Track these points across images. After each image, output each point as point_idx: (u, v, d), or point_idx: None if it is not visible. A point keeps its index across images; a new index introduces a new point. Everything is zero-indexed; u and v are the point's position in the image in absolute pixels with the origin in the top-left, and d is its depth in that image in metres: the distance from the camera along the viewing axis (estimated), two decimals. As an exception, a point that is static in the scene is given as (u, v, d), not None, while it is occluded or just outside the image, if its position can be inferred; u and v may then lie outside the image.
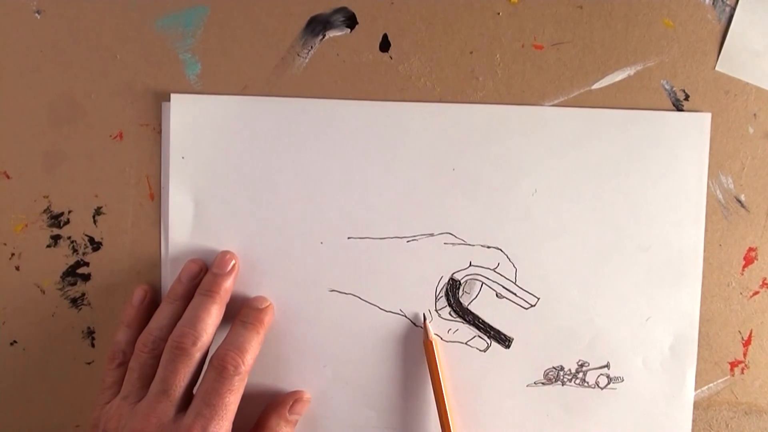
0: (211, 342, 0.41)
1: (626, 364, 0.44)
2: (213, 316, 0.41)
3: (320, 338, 0.44)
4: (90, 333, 0.45)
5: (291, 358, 0.44)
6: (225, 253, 0.43)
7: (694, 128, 0.43)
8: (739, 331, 0.45)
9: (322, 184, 0.43)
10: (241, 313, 0.42)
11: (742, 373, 0.45)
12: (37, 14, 0.43)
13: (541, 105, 0.43)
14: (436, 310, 0.44)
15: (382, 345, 0.44)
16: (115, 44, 0.43)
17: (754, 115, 0.44)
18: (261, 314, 0.42)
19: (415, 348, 0.44)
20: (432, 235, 0.44)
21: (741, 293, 0.45)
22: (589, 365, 0.44)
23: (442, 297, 0.44)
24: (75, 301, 0.45)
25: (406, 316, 0.44)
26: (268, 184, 0.43)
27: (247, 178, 0.43)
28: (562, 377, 0.44)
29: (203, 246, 0.43)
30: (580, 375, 0.44)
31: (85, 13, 0.43)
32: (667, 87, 0.44)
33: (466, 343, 0.44)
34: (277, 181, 0.43)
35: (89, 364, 0.45)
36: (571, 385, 0.44)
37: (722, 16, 0.43)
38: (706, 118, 0.43)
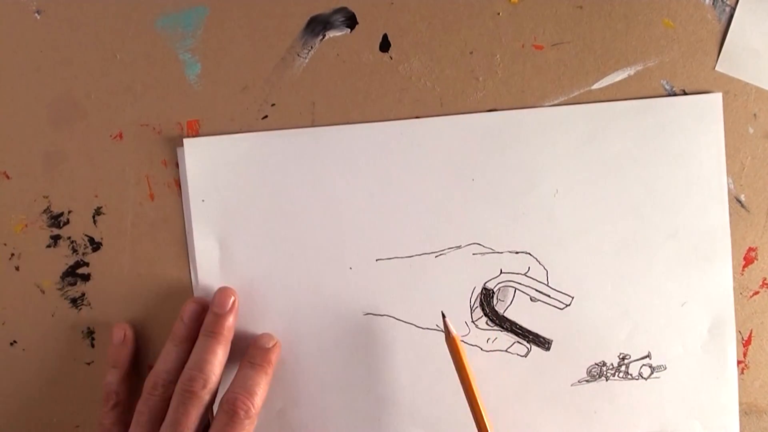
0: (219, 382, 0.41)
1: (667, 352, 0.44)
2: (219, 356, 0.41)
3: (360, 362, 0.44)
4: (90, 333, 0.45)
5: (334, 385, 0.44)
6: (223, 290, 0.43)
7: (707, 109, 0.43)
8: (739, 331, 0.45)
9: (344, 210, 0.43)
10: (248, 353, 0.42)
11: (742, 373, 0.45)
12: (37, 14, 0.43)
13: (542, 105, 0.43)
14: (473, 321, 0.44)
15: (423, 362, 0.44)
16: (115, 44, 0.43)
17: (754, 115, 0.44)
18: (269, 354, 0.42)
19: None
20: (459, 247, 0.43)
21: (741, 293, 0.45)
22: (630, 357, 0.44)
23: (477, 307, 0.44)
24: (75, 301, 0.45)
25: (443, 331, 0.44)
26: (291, 216, 0.43)
27: (268, 213, 0.43)
28: (605, 372, 0.44)
29: (233, 285, 0.44)
30: (623, 368, 0.44)
31: (85, 13, 0.43)
32: (667, 87, 0.44)
33: (506, 351, 0.44)
34: (299, 212, 0.43)
35: (89, 364, 0.45)
36: (615, 379, 0.44)
37: (722, 16, 0.43)
38: (717, 98, 0.43)
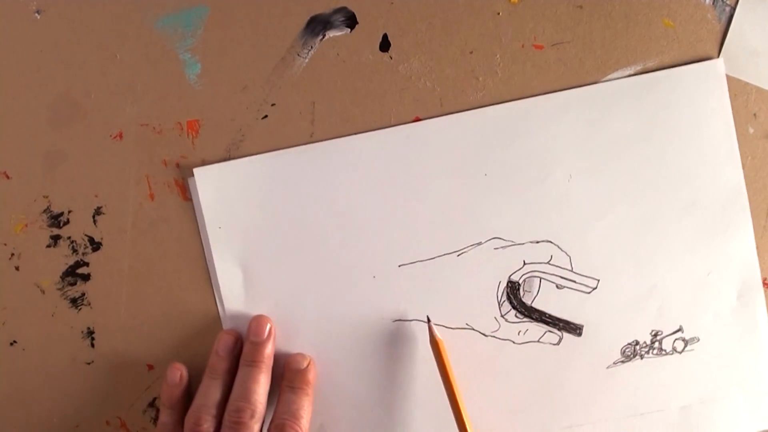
0: (266, 410, 0.41)
1: (698, 323, 0.44)
2: (262, 384, 0.41)
3: (395, 369, 0.44)
4: (90, 333, 0.45)
5: (372, 395, 0.44)
6: (259, 318, 0.43)
7: (709, 76, 0.43)
8: (739, 331, 0.45)
9: (361, 221, 0.43)
10: (286, 377, 0.42)
11: (742, 373, 0.45)
12: (37, 14, 0.43)
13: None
14: (502, 316, 0.44)
15: (458, 362, 0.43)
16: (115, 44, 0.43)
17: (754, 115, 0.44)
18: (306, 375, 0.42)
19: (490, 358, 0.44)
20: (480, 243, 0.43)
21: (741, 293, 0.45)
22: (662, 333, 0.44)
23: (504, 301, 0.44)
24: (75, 301, 0.45)
25: (474, 329, 0.44)
26: (309, 233, 0.43)
27: (286, 232, 0.43)
28: (639, 351, 0.44)
29: (260, 308, 0.44)
30: (656, 345, 0.44)
31: (85, 13, 0.43)
32: (667, 87, 0.43)
33: (538, 341, 0.44)
34: (317, 227, 0.43)
35: (89, 364, 0.45)
36: (649, 357, 0.44)
37: (722, 16, 0.43)
38: (718, 63, 0.43)
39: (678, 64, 0.43)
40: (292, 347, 0.44)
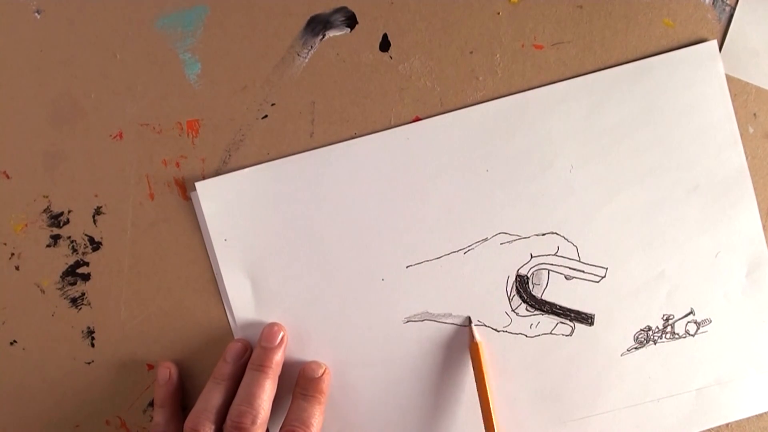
0: (269, 417, 0.41)
1: (709, 305, 0.44)
2: (267, 390, 0.41)
3: (410, 369, 0.44)
4: (90, 333, 0.45)
5: (389, 398, 0.44)
6: (272, 325, 0.43)
7: (705, 58, 0.43)
8: (739, 331, 0.45)
9: (366, 224, 0.43)
10: (299, 384, 0.42)
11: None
12: (37, 14, 0.43)
13: (541, 105, 0.44)
14: (513, 310, 0.44)
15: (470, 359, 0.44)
16: (115, 44, 0.43)
17: (754, 115, 0.44)
18: (320, 384, 0.42)
19: (504, 353, 0.44)
20: (486, 239, 0.43)
21: (741, 293, 0.45)
22: (674, 317, 0.44)
23: (514, 296, 0.44)
24: (75, 301, 0.45)
25: (486, 325, 0.44)
26: (314, 240, 0.43)
27: (292, 240, 0.43)
28: (652, 336, 0.44)
29: (270, 317, 0.44)
30: (669, 329, 0.44)
31: (85, 13, 0.43)
32: (667, 87, 0.43)
33: (551, 333, 0.44)
34: (322, 233, 0.43)
35: (89, 364, 0.45)
36: (663, 341, 0.44)
37: (722, 16, 0.43)
38: (712, 45, 0.43)
39: (678, 64, 0.43)
40: (303, 353, 0.44)
